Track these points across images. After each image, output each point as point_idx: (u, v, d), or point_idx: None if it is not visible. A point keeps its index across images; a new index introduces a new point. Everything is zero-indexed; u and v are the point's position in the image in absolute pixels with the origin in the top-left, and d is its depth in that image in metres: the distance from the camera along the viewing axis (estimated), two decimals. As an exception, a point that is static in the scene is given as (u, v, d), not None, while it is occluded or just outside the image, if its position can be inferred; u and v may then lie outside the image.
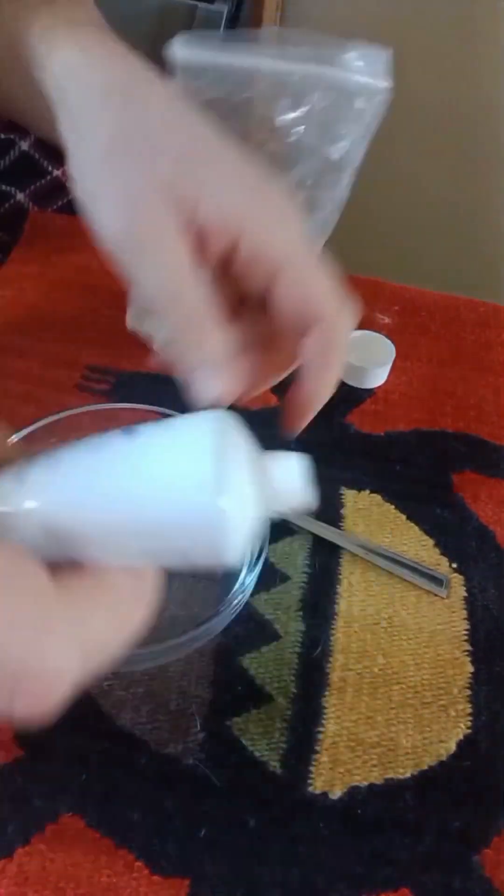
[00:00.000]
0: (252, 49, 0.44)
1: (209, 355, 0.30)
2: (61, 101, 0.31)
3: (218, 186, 0.29)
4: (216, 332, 0.30)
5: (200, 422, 0.26)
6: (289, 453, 0.27)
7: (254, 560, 0.37)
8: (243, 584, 0.37)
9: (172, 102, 0.31)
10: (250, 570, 0.37)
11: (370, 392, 0.56)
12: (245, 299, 0.32)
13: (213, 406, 0.30)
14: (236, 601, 0.36)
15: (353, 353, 0.56)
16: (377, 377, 0.56)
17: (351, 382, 0.56)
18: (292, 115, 0.46)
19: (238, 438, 0.26)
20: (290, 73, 0.44)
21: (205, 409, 0.30)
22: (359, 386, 0.56)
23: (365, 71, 0.45)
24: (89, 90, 0.31)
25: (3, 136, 0.61)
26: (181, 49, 0.43)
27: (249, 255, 0.29)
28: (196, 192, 0.29)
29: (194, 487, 0.23)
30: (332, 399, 0.58)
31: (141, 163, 0.29)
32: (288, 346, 0.32)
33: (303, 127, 0.46)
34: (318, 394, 0.32)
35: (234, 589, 0.37)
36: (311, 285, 0.30)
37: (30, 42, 0.33)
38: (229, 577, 0.38)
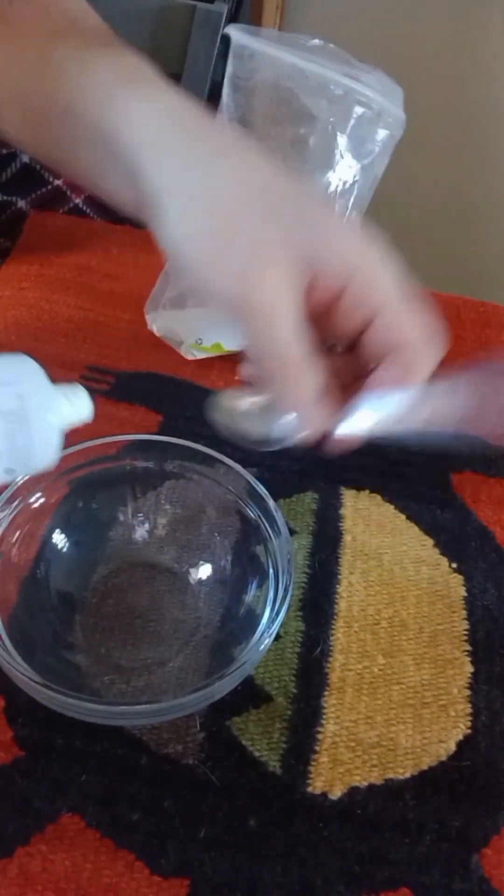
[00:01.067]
0: (295, 49, 0.47)
1: (303, 402, 0.31)
2: (151, 161, 0.30)
3: (332, 235, 0.31)
4: (312, 380, 0.31)
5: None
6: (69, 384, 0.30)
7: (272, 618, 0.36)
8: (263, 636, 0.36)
9: (263, 158, 0.32)
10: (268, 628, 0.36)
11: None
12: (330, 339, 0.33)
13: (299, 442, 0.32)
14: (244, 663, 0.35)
15: None
16: (377, 377, 0.56)
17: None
18: (331, 117, 0.48)
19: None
20: (330, 78, 0.47)
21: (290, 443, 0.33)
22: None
23: (387, 97, 0.48)
24: (189, 152, 0.31)
25: (4, 150, 0.61)
26: (237, 32, 0.47)
27: (355, 299, 0.31)
28: (314, 241, 0.30)
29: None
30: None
31: (260, 223, 0.30)
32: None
33: (340, 132, 0.48)
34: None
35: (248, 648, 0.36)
36: (405, 328, 0.31)
37: (92, 92, 0.32)
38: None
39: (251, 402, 0.34)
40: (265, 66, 0.47)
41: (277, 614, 0.35)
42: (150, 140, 0.31)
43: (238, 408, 0.35)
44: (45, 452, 0.29)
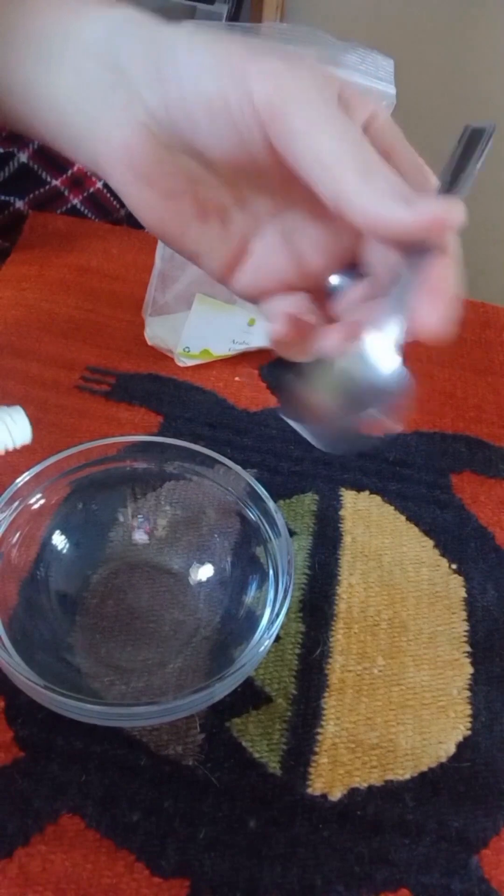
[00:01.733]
0: (265, 39, 0.44)
1: (406, 188, 0.26)
2: (128, 38, 0.28)
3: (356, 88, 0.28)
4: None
5: None
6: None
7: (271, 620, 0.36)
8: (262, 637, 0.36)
9: None
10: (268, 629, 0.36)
11: (370, 393, 0.56)
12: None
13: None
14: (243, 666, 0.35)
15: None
16: (377, 378, 0.56)
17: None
18: None
19: None
20: None
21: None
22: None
23: (371, 74, 0.45)
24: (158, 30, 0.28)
25: (1, 150, 0.61)
26: None
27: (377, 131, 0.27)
28: (344, 83, 0.27)
29: None
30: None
31: (287, 54, 0.26)
32: None
33: None
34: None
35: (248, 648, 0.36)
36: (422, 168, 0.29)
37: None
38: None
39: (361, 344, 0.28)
40: None
41: (277, 615, 0.35)
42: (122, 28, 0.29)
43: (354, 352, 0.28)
44: None
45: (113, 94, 0.28)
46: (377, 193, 0.24)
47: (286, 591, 0.36)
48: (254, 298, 0.32)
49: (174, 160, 0.29)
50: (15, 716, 0.37)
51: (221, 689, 0.34)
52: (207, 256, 0.31)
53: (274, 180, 0.29)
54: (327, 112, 0.25)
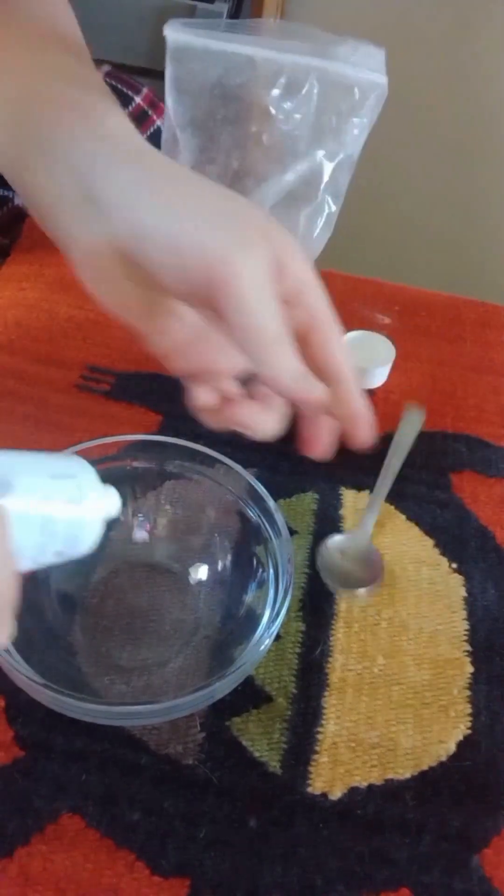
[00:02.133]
0: (247, 37, 0.44)
1: (293, 370, 0.31)
2: (111, 166, 0.31)
3: (293, 246, 0.32)
4: (293, 352, 0.31)
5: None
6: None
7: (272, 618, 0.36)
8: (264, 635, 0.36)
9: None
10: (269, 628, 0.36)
11: (370, 392, 0.56)
12: None
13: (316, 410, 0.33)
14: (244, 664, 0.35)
15: (353, 354, 0.56)
16: (377, 377, 0.56)
17: (371, 384, 0.56)
18: (287, 104, 0.45)
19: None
20: (284, 62, 0.44)
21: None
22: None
23: (362, 65, 0.45)
24: (149, 165, 0.32)
25: None
26: (174, 32, 0.43)
27: (301, 306, 0.32)
28: (281, 242, 0.31)
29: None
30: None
31: (240, 211, 0.31)
32: None
33: (298, 116, 0.46)
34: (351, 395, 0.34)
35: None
36: (336, 350, 0.33)
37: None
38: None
39: None
40: (210, 63, 0.44)
41: (277, 614, 0.35)
42: (109, 157, 0.32)
43: None
44: (91, 539, 0.31)
45: (84, 208, 0.32)
46: (278, 370, 0.31)
47: (286, 591, 0.36)
48: (187, 378, 0.35)
49: (131, 270, 0.32)
50: (15, 715, 0.37)
51: (222, 687, 0.34)
52: (154, 341, 0.34)
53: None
54: (263, 296, 0.30)
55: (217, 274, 0.30)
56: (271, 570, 0.38)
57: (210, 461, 0.41)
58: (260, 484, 0.40)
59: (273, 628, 0.35)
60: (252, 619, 0.37)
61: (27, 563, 0.30)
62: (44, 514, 0.29)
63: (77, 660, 0.38)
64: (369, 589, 0.43)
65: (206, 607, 0.41)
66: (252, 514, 0.40)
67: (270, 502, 0.39)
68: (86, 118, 0.33)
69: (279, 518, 0.38)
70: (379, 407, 0.55)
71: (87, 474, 0.31)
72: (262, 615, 0.37)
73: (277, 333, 0.31)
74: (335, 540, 0.45)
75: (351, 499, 0.48)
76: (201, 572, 0.42)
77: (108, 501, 0.32)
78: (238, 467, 0.40)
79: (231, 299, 0.30)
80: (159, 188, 0.31)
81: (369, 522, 0.46)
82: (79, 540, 0.31)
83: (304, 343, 0.33)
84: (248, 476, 0.40)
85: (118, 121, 0.33)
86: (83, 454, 0.40)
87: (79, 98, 0.34)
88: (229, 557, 0.41)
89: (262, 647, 0.35)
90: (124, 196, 0.31)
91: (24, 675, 0.33)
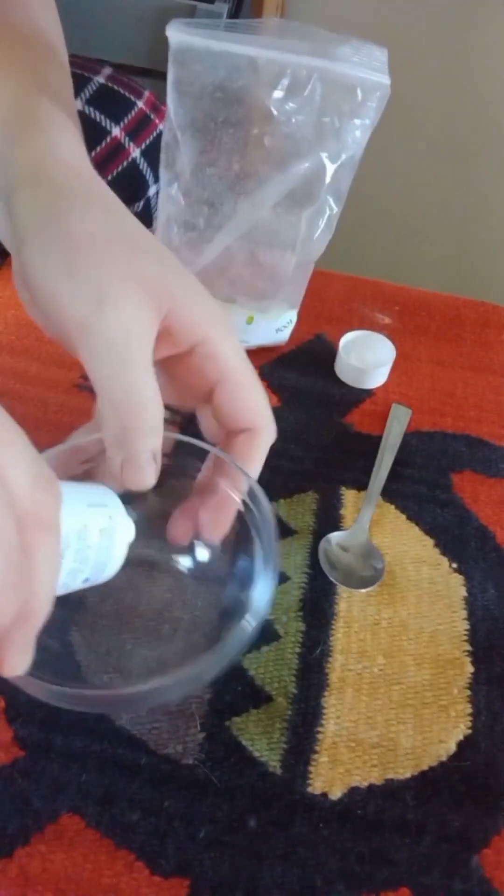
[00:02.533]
0: (249, 37, 0.44)
1: (151, 447, 0.31)
2: (23, 196, 0.32)
3: (190, 292, 0.33)
4: (157, 414, 0.31)
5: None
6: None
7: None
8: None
9: (131, 217, 0.34)
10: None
11: (370, 392, 0.56)
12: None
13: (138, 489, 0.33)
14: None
15: (353, 354, 0.56)
16: (377, 377, 0.56)
17: (351, 383, 0.56)
18: (290, 105, 0.45)
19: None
20: (286, 63, 0.44)
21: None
22: (359, 386, 0.56)
23: (364, 66, 0.45)
24: (59, 195, 0.32)
25: None
26: (176, 33, 0.43)
27: (203, 361, 0.33)
28: (173, 293, 0.31)
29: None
30: (331, 399, 0.58)
31: (124, 258, 0.31)
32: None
33: (301, 118, 0.46)
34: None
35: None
36: (249, 396, 0.35)
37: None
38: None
39: None
40: (212, 64, 0.44)
41: (265, 594, 0.34)
42: (23, 180, 0.33)
43: None
44: (116, 566, 0.32)
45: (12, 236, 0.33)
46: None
47: (272, 571, 0.34)
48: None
49: None
50: (15, 715, 0.37)
51: (208, 670, 0.32)
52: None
53: None
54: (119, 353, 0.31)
55: (87, 327, 0.30)
56: (259, 549, 0.37)
57: (204, 455, 0.41)
58: (260, 485, 0.39)
59: (258, 606, 0.33)
60: (243, 604, 0.37)
61: (59, 590, 0.30)
62: (80, 542, 0.30)
63: (76, 659, 0.38)
64: (371, 584, 0.43)
65: (206, 605, 0.41)
66: (246, 509, 0.40)
67: (255, 486, 0.37)
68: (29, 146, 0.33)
69: (258, 490, 0.37)
70: (379, 407, 0.55)
71: (115, 503, 0.32)
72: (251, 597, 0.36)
73: (146, 391, 0.30)
74: (336, 535, 0.45)
75: (351, 499, 0.48)
76: (200, 570, 0.42)
77: (130, 530, 0.33)
78: (241, 468, 0.40)
79: (94, 358, 0.30)
80: (55, 236, 0.31)
81: (366, 518, 0.46)
82: (105, 567, 0.32)
83: (215, 395, 0.34)
84: (244, 471, 0.39)
85: (55, 153, 0.34)
86: (81, 449, 0.40)
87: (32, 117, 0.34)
88: (228, 555, 0.41)
89: (250, 628, 0.33)
90: (26, 232, 0.31)
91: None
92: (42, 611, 0.25)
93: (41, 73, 0.39)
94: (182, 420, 0.40)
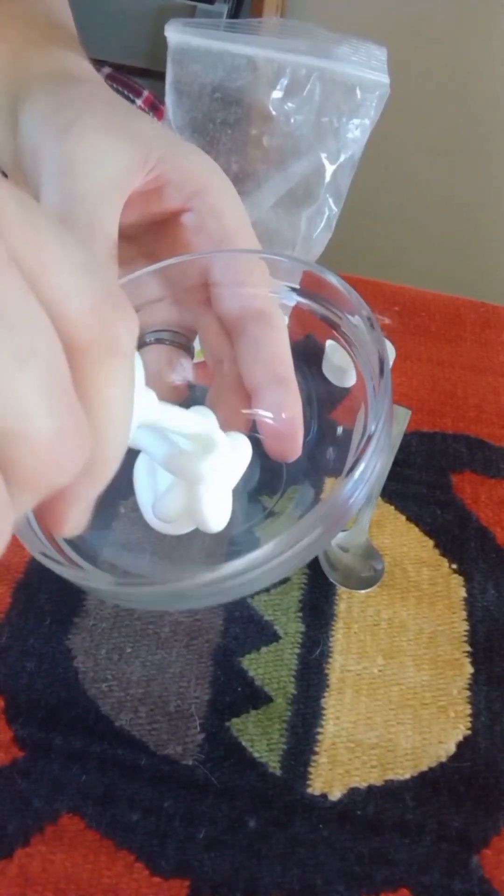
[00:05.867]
0: (248, 37, 0.44)
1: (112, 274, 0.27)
2: (27, 102, 0.31)
3: (185, 149, 0.30)
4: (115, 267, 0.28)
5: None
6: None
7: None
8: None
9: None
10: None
11: (370, 392, 0.56)
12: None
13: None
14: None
15: (338, 354, 0.56)
16: (377, 377, 0.56)
17: (337, 382, 0.56)
18: (289, 105, 0.45)
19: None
20: (285, 62, 0.44)
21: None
22: (344, 385, 0.56)
23: (364, 65, 0.45)
24: (56, 90, 0.31)
25: None
26: (175, 33, 0.43)
27: (206, 214, 0.30)
28: (164, 145, 0.29)
29: None
30: (327, 398, 0.58)
31: (116, 113, 0.29)
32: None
33: (300, 117, 0.46)
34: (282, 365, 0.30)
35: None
36: (274, 325, 0.30)
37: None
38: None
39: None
40: (211, 65, 0.44)
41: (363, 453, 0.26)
42: (36, 86, 0.31)
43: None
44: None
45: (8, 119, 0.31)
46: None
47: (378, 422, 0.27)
48: None
49: None
50: (15, 715, 0.37)
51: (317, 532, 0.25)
52: None
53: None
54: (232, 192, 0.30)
55: (63, 158, 0.27)
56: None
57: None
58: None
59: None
60: (257, 622, 0.37)
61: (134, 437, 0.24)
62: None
63: (75, 664, 0.38)
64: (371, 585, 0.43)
65: (207, 610, 0.41)
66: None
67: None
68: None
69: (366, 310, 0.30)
70: (379, 407, 0.55)
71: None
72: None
73: (104, 231, 0.27)
74: (336, 536, 0.45)
75: (351, 499, 0.48)
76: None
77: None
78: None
79: (61, 189, 0.27)
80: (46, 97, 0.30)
81: (365, 519, 0.46)
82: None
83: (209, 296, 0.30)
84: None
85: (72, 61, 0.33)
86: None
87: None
88: None
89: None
90: (28, 117, 0.30)
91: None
92: (111, 462, 0.19)
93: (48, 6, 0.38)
94: (189, 342, 0.33)
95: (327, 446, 0.33)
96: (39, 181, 0.28)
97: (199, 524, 0.29)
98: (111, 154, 0.28)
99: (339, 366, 0.57)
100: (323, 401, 0.52)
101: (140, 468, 0.31)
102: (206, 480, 0.27)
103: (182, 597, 0.26)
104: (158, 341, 0.32)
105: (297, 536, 0.24)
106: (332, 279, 0.30)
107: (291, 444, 0.30)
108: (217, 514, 0.28)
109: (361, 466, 0.25)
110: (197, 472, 0.27)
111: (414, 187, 1.39)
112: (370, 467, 0.25)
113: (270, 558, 0.24)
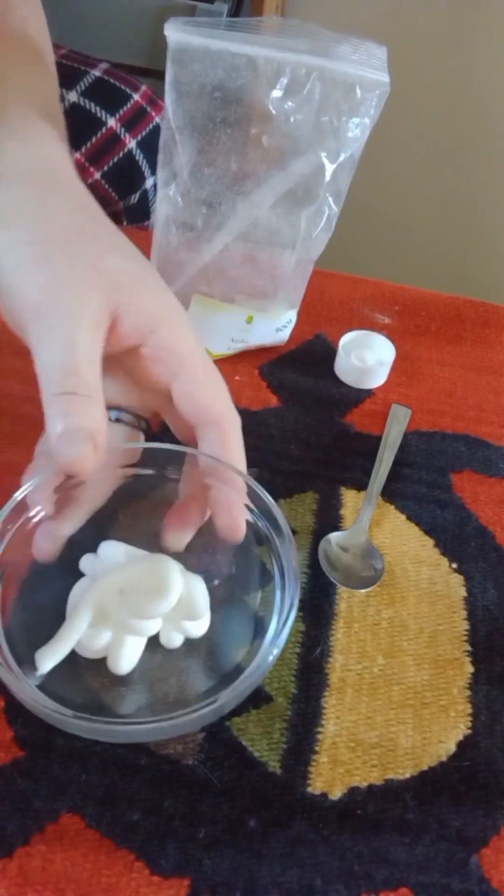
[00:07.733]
0: (248, 36, 0.44)
1: (88, 425, 0.32)
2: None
3: (146, 286, 0.34)
4: (98, 407, 0.32)
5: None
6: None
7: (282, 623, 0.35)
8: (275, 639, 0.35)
9: (95, 210, 0.36)
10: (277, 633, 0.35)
11: (370, 392, 0.56)
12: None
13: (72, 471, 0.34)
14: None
15: (353, 353, 0.56)
16: (377, 377, 0.56)
17: (351, 383, 0.56)
18: (288, 104, 0.45)
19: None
20: (285, 61, 0.44)
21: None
22: (358, 386, 0.56)
23: (364, 64, 0.45)
24: (46, 180, 0.35)
25: None
26: (175, 32, 0.43)
27: (154, 354, 0.35)
28: (128, 286, 0.33)
29: None
30: (331, 399, 0.58)
31: (86, 249, 0.33)
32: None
33: (300, 116, 0.46)
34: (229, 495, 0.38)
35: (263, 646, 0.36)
36: (205, 384, 0.35)
37: None
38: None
39: None
40: (210, 64, 0.44)
41: (285, 624, 0.34)
42: (2, 176, 0.35)
43: None
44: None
45: None
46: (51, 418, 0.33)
47: (292, 600, 0.35)
48: None
49: None
50: (15, 715, 0.37)
51: (230, 702, 0.34)
52: None
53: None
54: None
55: (40, 310, 0.32)
56: (276, 574, 0.38)
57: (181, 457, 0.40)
58: (260, 485, 0.39)
59: (281, 639, 0.34)
60: (256, 623, 0.37)
61: None
62: None
63: (80, 672, 0.38)
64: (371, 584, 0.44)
65: (210, 613, 0.41)
66: (252, 516, 0.40)
67: (270, 501, 0.38)
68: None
69: (280, 518, 0.38)
70: (379, 407, 0.55)
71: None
72: (266, 618, 0.36)
73: (84, 377, 0.32)
74: (336, 535, 0.46)
75: (351, 499, 0.48)
76: (203, 577, 0.42)
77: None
78: (236, 468, 0.40)
79: (42, 341, 0.32)
80: (18, 218, 0.33)
81: (365, 518, 0.46)
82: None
83: (173, 388, 0.35)
84: (248, 478, 0.40)
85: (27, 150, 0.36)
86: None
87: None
88: (232, 561, 0.41)
89: (271, 657, 0.34)
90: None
91: (31, 698, 0.33)
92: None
93: (28, 77, 0.41)
94: (149, 428, 0.41)
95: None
96: (28, 329, 0.33)
97: (111, 667, 0.37)
98: (93, 312, 0.32)
99: (356, 365, 0.57)
100: (336, 403, 0.53)
101: (75, 594, 0.38)
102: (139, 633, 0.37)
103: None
104: (118, 420, 0.38)
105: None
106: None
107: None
108: (129, 661, 0.37)
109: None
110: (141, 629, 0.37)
111: (414, 187, 1.39)
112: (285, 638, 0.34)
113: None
